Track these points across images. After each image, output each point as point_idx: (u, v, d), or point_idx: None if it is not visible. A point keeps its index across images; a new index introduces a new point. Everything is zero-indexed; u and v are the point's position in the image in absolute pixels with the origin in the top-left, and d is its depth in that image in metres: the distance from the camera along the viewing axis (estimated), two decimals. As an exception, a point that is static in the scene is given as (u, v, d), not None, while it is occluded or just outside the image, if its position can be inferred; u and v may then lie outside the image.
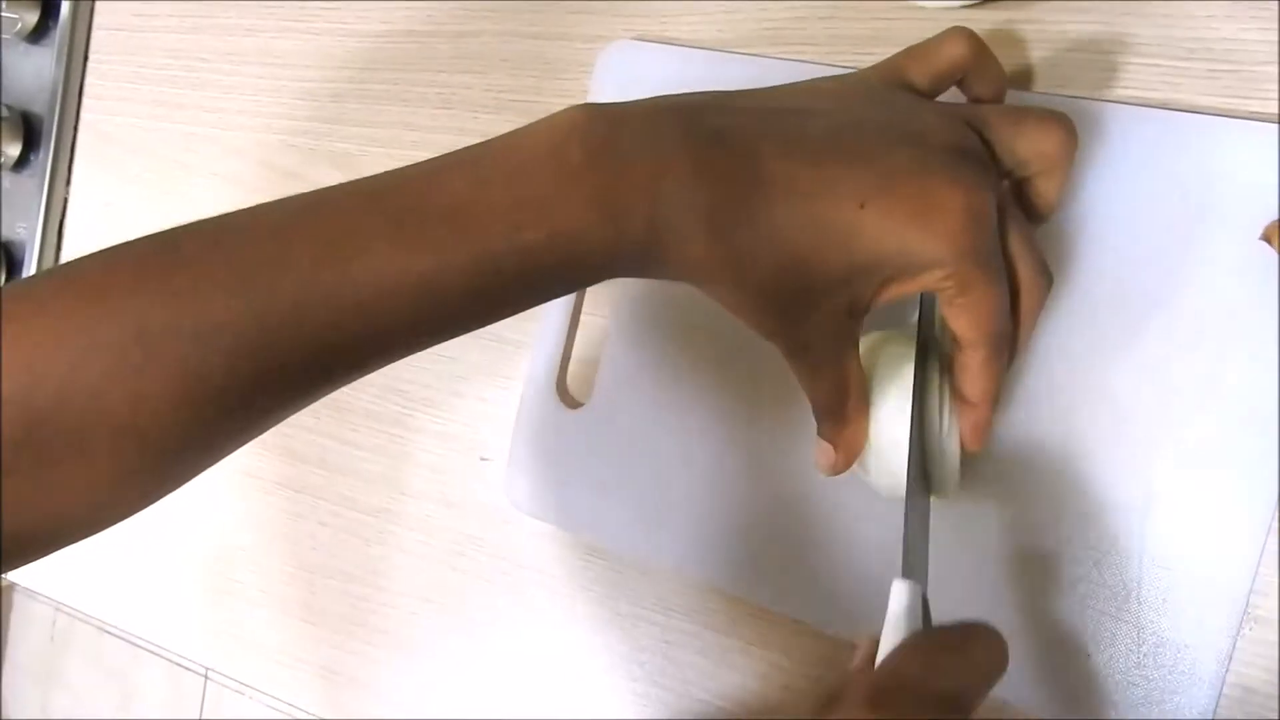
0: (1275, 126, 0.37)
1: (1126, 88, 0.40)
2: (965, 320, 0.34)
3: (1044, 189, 0.37)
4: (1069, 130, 0.36)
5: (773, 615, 0.46)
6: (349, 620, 0.57)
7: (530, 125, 0.33)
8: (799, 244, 0.32)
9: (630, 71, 0.50)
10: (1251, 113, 0.38)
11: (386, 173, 0.33)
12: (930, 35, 0.37)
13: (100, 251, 0.33)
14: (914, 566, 0.35)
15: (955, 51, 0.36)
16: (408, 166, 0.33)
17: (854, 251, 0.32)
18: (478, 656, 0.53)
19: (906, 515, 0.36)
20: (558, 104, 0.52)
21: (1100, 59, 0.41)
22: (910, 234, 0.32)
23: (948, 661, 0.32)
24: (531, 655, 0.52)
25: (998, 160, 0.35)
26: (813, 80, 0.36)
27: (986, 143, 0.35)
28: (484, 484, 0.54)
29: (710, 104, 0.34)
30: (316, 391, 0.34)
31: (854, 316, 0.35)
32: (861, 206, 0.32)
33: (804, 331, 0.35)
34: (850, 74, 0.37)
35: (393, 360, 0.34)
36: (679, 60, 0.49)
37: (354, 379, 0.34)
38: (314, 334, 0.32)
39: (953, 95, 0.38)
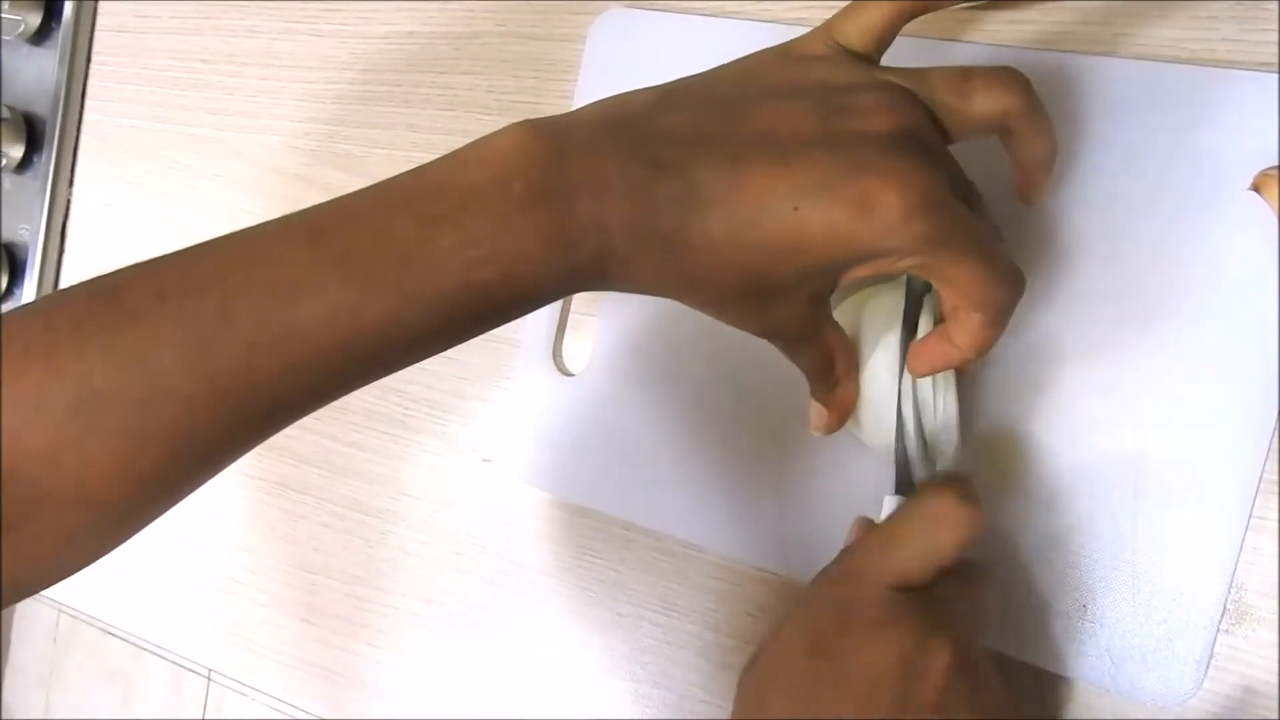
0: (1274, 76, 0.37)
1: (1124, 43, 0.40)
2: (947, 293, 0.34)
3: (1027, 144, 0.35)
4: (1020, 81, 0.34)
5: (774, 614, 0.46)
6: (351, 621, 0.57)
7: (471, 150, 0.33)
8: (744, 257, 0.32)
9: (622, 39, 0.50)
10: (1248, 63, 0.38)
11: (322, 207, 0.33)
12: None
13: (38, 303, 0.32)
14: (906, 484, 0.38)
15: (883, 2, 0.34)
16: (344, 198, 0.33)
17: (800, 254, 0.32)
18: (479, 657, 0.54)
19: (896, 440, 0.37)
20: (559, 105, 0.53)
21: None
22: (853, 229, 0.31)
23: (915, 547, 0.35)
24: (533, 656, 0.52)
25: (950, 127, 0.34)
26: (756, 59, 0.35)
27: (935, 108, 0.34)
28: (485, 485, 0.54)
29: (648, 115, 0.33)
30: (272, 431, 0.34)
31: (820, 301, 0.35)
32: (796, 209, 0.31)
33: (771, 322, 0.35)
34: (794, 45, 0.35)
35: (353, 391, 0.34)
36: (671, 26, 0.49)
37: (313, 411, 0.34)
38: (267, 384, 0.31)
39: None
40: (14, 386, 0.30)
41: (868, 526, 0.38)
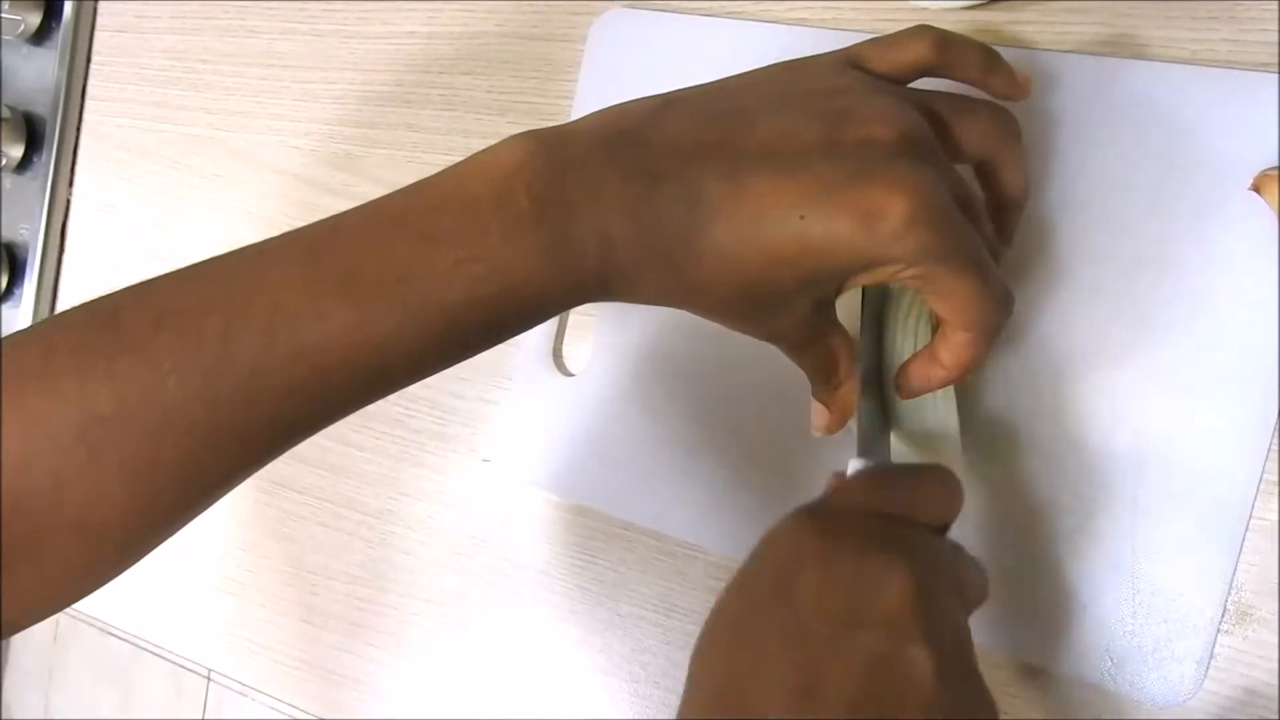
0: (1274, 76, 0.37)
1: (1123, 43, 0.40)
2: (939, 307, 0.34)
3: (1001, 178, 0.37)
4: (1009, 119, 0.36)
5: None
6: (350, 621, 0.57)
7: (470, 164, 0.32)
8: (747, 267, 0.32)
9: (623, 39, 0.50)
10: (1248, 63, 0.38)
11: (321, 225, 0.32)
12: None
13: (36, 327, 0.32)
14: (870, 448, 0.37)
15: (918, 51, 0.35)
16: (343, 216, 0.32)
17: (804, 263, 0.32)
18: (479, 657, 0.54)
19: (860, 408, 0.37)
20: (559, 105, 0.53)
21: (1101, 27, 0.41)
22: (856, 239, 0.31)
23: (897, 491, 0.34)
24: (532, 656, 0.52)
25: (956, 145, 0.34)
26: (759, 71, 0.35)
27: (942, 122, 0.34)
28: (485, 485, 0.54)
29: (649, 126, 0.33)
30: (278, 453, 0.33)
31: (823, 307, 0.35)
32: (802, 218, 0.31)
33: (775, 328, 0.35)
34: (806, 59, 0.35)
35: (359, 409, 0.33)
36: (672, 26, 0.49)
37: (319, 431, 0.33)
38: (270, 406, 0.31)
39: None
40: (15, 413, 0.30)
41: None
